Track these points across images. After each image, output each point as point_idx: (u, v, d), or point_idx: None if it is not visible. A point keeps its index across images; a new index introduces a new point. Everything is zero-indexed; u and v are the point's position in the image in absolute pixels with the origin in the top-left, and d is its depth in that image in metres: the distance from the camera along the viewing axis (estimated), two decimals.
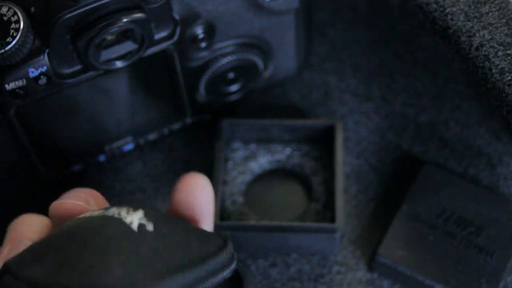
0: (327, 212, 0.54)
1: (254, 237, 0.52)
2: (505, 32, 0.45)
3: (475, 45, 0.46)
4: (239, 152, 0.56)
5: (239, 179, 0.55)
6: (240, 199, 0.55)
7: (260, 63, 0.54)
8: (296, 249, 0.54)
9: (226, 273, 0.36)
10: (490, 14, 0.46)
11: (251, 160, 0.56)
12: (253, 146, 0.57)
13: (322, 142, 0.56)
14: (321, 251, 0.54)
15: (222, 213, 0.53)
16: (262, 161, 0.56)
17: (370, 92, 0.60)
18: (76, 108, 0.51)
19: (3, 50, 0.43)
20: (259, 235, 0.52)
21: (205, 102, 0.56)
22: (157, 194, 0.57)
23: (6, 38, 0.43)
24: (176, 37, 0.48)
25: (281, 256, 0.54)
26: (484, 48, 0.45)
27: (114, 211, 0.35)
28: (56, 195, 0.54)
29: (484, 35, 0.46)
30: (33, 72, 0.45)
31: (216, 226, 0.51)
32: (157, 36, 0.48)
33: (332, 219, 0.53)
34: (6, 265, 0.34)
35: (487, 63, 0.45)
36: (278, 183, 0.56)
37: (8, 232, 0.38)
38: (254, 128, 0.56)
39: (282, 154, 0.57)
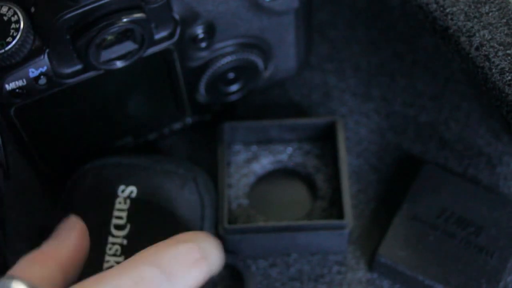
0: (333, 209, 0.54)
1: (263, 238, 0.52)
2: (505, 32, 0.45)
3: (475, 45, 0.46)
4: (240, 154, 0.56)
5: (242, 181, 0.55)
6: (245, 201, 0.55)
7: (260, 63, 0.54)
8: (305, 248, 0.54)
9: None
10: (490, 14, 0.46)
11: (253, 162, 0.56)
12: (254, 148, 0.57)
13: (323, 140, 0.56)
14: (330, 248, 0.54)
15: (229, 217, 0.53)
16: (264, 162, 0.56)
17: (370, 92, 0.60)
18: (76, 108, 0.51)
19: (3, 50, 0.43)
20: (268, 236, 0.52)
21: (205, 102, 0.56)
22: None
23: (6, 38, 0.43)
24: (176, 37, 0.49)
25: (281, 256, 0.54)
26: (484, 48, 0.45)
27: None
28: (56, 195, 0.54)
29: (484, 35, 0.46)
30: (33, 72, 0.45)
31: (225, 230, 0.51)
32: (157, 36, 0.48)
33: (339, 216, 0.53)
34: None
35: (487, 63, 0.45)
36: (281, 183, 0.56)
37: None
38: (254, 129, 0.56)
39: (283, 154, 0.57)
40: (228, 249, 0.53)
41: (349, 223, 0.51)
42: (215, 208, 0.52)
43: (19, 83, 0.45)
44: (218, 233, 0.52)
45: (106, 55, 0.46)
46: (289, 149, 0.57)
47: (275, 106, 0.60)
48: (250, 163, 0.56)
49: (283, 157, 0.57)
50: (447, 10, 0.47)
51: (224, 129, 0.55)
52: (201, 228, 0.51)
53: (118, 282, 0.38)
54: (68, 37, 0.44)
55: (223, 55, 0.52)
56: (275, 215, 0.54)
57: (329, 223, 0.52)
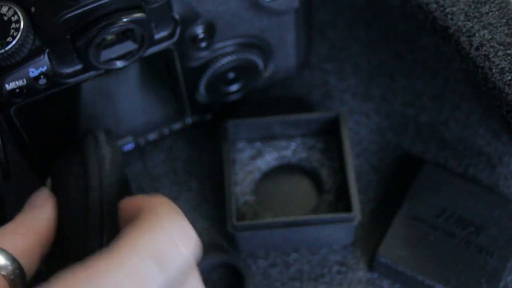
0: (340, 202, 0.54)
1: (272, 234, 0.53)
2: (505, 32, 0.45)
3: (475, 45, 0.46)
4: (244, 152, 0.56)
5: (248, 178, 0.55)
6: (251, 198, 0.55)
7: (260, 63, 0.54)
8: (313, 242, 0.54)
9: None
10: (490, 14, 0.46)
11: (258, 159, 0.56)
12: (258, 145, 0.57)
13: (327, 134, 0.56)
14: (337, 241, 0.54)
15: (237, 214, 0.54)
16: (269, 159, 0.56)
17: (370, 92, 0.60)
18: (76, 108, 0.51)
19: (3, 50, 0.43)
20: (277, 231, 0.52)
21: (205, 102, 0.56)
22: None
23: (7, 38, 0.43)
24: (176, 37, 0.49)
25: (282, 256, 0.54)
26: (484, 47, 0.45)
27: None
28: None
29: (484, 35, 0.46)
30: (33, 72, 0.45)
31: (234, 227, 0.51)
32: (157, 36, 0.48)
33: (346, 209, 0.53)
34: None
35: (487, 63, 0.45)
36: (287, 178, 0.56)
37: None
38: (257, 126, 0.56)
39: (287, 149, 0.57)
40: (236, 246, 0.54)
41: (357, 216, 0.51)
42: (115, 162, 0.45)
43: (19, 83, 0.45)
44: (226, 231, 0.52)
45: (106, 55, 0.46)
46: (293, 145, 0.57)
47: (275, 106, 0.60)
48: (255, 160, 0.56)
49: (287, 152, 0.57)
50: (447, 10, 0.47)
51: (228, 127, 0.55)
52: (86, 199, 0.44)
53: (112, 279, 0.35)
54: (68, 37, 0.44)
55: (223, 55, 0.52)
56: (281, 211, 0.54)
57: (338, 216, 0.52)
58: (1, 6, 0.44)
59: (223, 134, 0.55)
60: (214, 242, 0.54)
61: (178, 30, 0.48)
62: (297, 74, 0.59)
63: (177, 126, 0.57)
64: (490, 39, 0.45)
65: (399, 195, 0.55)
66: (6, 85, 0.45)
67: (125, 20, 0.44)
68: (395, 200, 0.55)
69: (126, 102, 0.53)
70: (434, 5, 0.47)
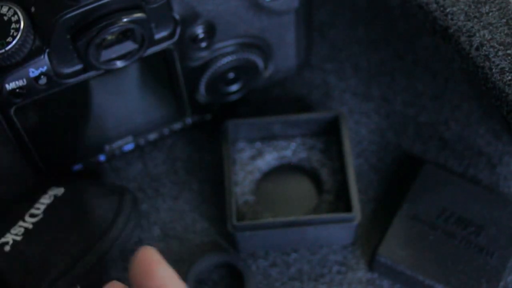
0: (340, 202, 0.54)
1: (272, 234, 0.53)
2: (505, 32, 0.45)
3: (475, 45, 0.46)
4: (244, 152, 0.56)
5: (248, 178, 0.55)
6: (251, 198, 0.55)
7: (260, 63, 0.54)
8: (313, 242, 0.54)
9: None
10: (490, 14, 0.46)
11: (258, 159, 0.56)
12: (258, 145, 0.57)
13: (327, 134, 0.56)
14: (338, 241, 0.54)
15: (237, 214, 0.54)
16: (269, 159, 0.56)
17: (370, 92, 0.60)
18: (76, 108, 0.51)
19: (3, 50, 0.43)
20: (277, 231, 0.52)
21: (205, 102, 0.56)
22: (157, 194, 0.57)
23: (7, 38, 0.43)
24: (176, 37, 0.49)
25: (282, 256, 0.54)
26: (484, 47, 0.45)
27: None
28: None
29: (484, 35, 0.46)
30: (33, 72, 0.45)
31: (234, 227, 0.51)
32: (157, 36, 0.48)
33: (346, 209, 0.53)
34: None
35: (487, 63, 0.45)
36: (287, 178, 0.56)
37: None
38: (258, 126, 0.56)
39: (287, 149, 0.57)
40: (236, 246, 0.54)
41: (357, 216, 0.52)
42: (134, 222, 0.52)
43: (19, 83, 0.45)
44: (226, 231, 0.52)
45: (106, 55, 0.46)
46: (293, 145, 0.57)
47: (275, 106, 0.60)
48: (255, 160, 0.56)
49: (287, 152, 0.57)
50: (447, 10, 0.47)
51: (228, 127, 0.55)
52: (105, 232, 0.51)
53: None
54: (68, 37, 0.44)
55: (223, 55, 0.52)
56: (281, 211, 0.54)
57: (338, 216, 0.52)
58: (1, 6, 0.44)
59: (223, 134, 0.55)
60: (214, 242, 0.54)
61: (178, 30, 0.48)
62: (297, 74, 0.59)
63: (177, 126, 0.57)
64: (490, 39, 0.45)
65: (399, 195, 0.55)
66: (6, 85, 0.45)
67: (125, 20, 0.44)
68: (395, 200, 0.55)
69: (126, 102, 0.53)
70: (434, 5, 0.47)
